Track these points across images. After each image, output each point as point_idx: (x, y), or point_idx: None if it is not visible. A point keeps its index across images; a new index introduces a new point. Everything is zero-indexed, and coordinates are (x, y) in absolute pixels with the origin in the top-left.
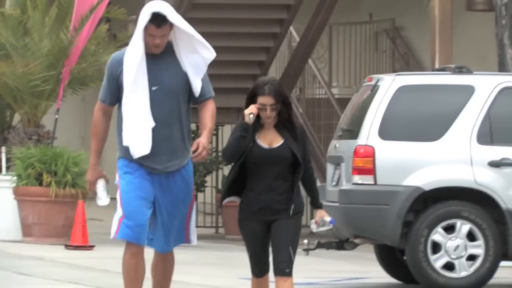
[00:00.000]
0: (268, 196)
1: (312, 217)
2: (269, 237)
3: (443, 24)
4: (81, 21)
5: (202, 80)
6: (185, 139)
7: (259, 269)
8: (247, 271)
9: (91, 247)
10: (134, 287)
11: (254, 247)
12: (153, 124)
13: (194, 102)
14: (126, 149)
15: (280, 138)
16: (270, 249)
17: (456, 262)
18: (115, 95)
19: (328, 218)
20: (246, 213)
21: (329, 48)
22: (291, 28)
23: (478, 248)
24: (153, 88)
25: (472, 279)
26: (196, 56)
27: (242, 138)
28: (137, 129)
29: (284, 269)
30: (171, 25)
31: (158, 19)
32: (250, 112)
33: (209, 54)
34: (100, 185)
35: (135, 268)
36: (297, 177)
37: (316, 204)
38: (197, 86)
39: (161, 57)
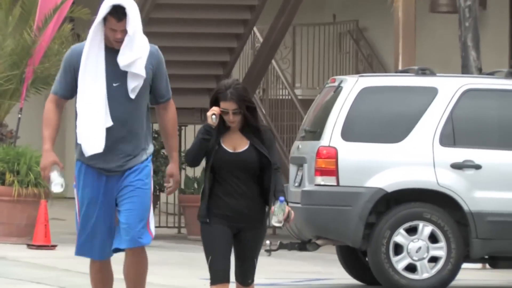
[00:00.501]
0: (235, 201)
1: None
2: (231, 243)
3: (407, 26)
4: (45, 21)
5: (161, 80)
6: (145, 135)
7: (218, 277)
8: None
9: (53, 247)
10: None
11: (216, 251)
12: (110, 123)
13: (153, 103)
14: (81, 149)
15: (245, 141)
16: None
17: (418, 264)
18: (70, 88)
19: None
20: (213, 217)
21: (292, 49)
22: (255, 29)
23: (440, 250)
24: (114, 85)
25: (434, 281)
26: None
27: (204, 141)
28: (91, 126)
29: (248, 280)
30: (129, 22)
31: (118, 12)
32: (212, 113)
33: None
34: (55, 172)
35: (102, 280)
36: (268, 182)
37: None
38: (136, 89)
39: None
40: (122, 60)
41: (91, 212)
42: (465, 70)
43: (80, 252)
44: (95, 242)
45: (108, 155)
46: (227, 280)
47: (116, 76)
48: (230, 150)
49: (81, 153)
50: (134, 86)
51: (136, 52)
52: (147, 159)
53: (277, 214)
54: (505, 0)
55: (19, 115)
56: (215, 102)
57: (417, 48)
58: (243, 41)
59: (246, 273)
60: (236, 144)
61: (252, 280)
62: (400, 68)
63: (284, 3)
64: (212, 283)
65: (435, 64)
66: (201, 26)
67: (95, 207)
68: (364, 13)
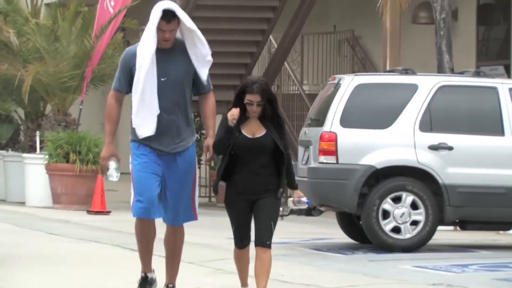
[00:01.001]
0: (252, 179)
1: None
2: (251, 214)
3: (393, 35)
4: (101, 30)
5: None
6: (189, 124)
7: (241, 242)
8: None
9: (108, 213)
10: (146, 251)
11: (238, 222)
12: (158, 111)
13: (196, 94)
14: (136, 134)
15: (263, 129)
16: (252, 224)
17: (402, 227)
18: (127, 84)
19: (305, 199)
20: (232, 194)
21: (301, 53)
22: (271, 37)
23: (419, 215)
24: (162, 79)
25: (415, 240)
26: (197, 50)
27: (226, 139)
28: (145, 113)
29: (265, 241)
30: (179, 22)
31: (168, 15)
32: (233, 118)
33: (206, 50)
34: (112, 162)
35: (147, 236)
36: (282, 164)
37: (292, 185)
38: (203, 76)
39: (170, 52)
40: (207, 53)
41: (146, 176)
42: (440, 70)
43: (135, 213)
44: (147, 202)
45: (159, 139)
46: (248, 244)
47: (163, 72)
48: (250, 136)
49: (136, 135)
50: (206, 72)
51: (206, 42)
52: (192, 145)
53: (296, 206)
54: (473, 13)
55: (80, 107)
56: (241, 95)
57: (402, 52)
58: (261, 47)
59: (263, 235)
60: (255, 130)
61: (270, 243)
62: (387, 68)
63: (294, 16)
64: (237, 246)
65: (416, 65)
66: (227, 34)
67: (147, 173)
68: (358, 24)
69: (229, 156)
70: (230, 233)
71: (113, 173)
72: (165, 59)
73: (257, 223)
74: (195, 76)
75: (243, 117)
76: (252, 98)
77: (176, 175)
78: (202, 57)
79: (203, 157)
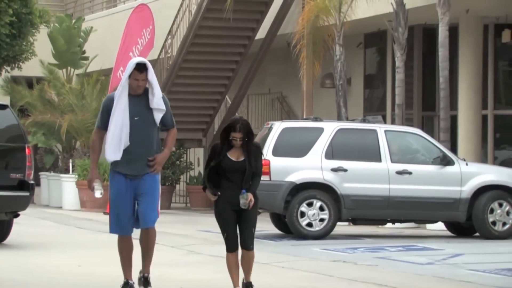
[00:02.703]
0: (236, 192)
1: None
2: (236, 221)
3: (308, 94)
4: (114, 90)
5: (166, 115)
6: (155, 153)
7: (232, 246)
8: (205, 227)
9: None
10: (126, 261)
11: (229, 229)
12: (128, 143)
13: (163, 130)
14: (113, 163)
15: (243, 154)
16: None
17: (313, 222)
18: (106, 122)
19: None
20: (223, 205)
21: (247, 107)
22: (227, 97)
23: (325, 215)
24: (135, 119)
25: (322, 232)
26: (153, 99)
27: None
28: (115, 144)
29: (249, 245)
30: (147, 74)
31: (140, 66)
32: (212, 197)
33: (158, 101)
34: (97, 183)
35: (125, 248)
36: (256, 182)
37: (251, 190)
38: (157, 118)
39: (141, 97)
40: (152, 103)
41: (119, 203)
42: (339, 118)
43: (112, 230)
44: (122, 223)
45: (131, 166)
46: (237, 248)
47: (136, 112)
48: (234, 159)
49: (113, 165)
50: (158, 116)
51: (157, 95)
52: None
53: (242, 199)
54: (361, 80)
55: None
56: (226, 131)
57: (314, 106)
58: (220, 103)
59: (247, 240)
60: (238, 155)
61: (253, 246)
62: (304, 117)
63: (242, 82)
64: (228, 251)
65: (323, 115)
66: (198, 94)
67: (121, 199)
68: (286, 88)
69: (209, 171)
70: (201, 226)
71: (97, 192)
72: (137, 102)
73: (242, 230)
74: (163, 116)
75: (228, 146)
76: (236, 135)
77: (144, 190)
78: (155, 105)
79: (150, 163)
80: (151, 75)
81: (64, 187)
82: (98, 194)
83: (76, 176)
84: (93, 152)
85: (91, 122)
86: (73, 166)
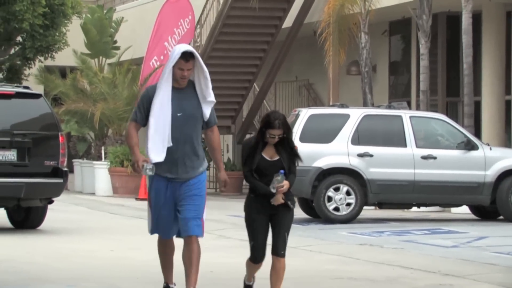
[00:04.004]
0: (272, 195)
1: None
2: (268, 227)
3: (334, 82)
4: (145, 80)
5: (211, 111)
6: (200, 154)
7: (258, 257)
8: (234, 212)
9: None
10: (166, 263)
11: (258, 238)
12: (170, 143)
13: (204, 128)
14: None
15: (277, 153)
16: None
17: (340, 207)
18: (144, 117)
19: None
20: (255, 209)
21: (274, 94)
22: (255, 84)
23: (352, 199)
24: (178, 115)
25: (349, 216)
26: (203, 91)
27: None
28: (157, 143)
29: (281, 250)
30: (195, 63)
31: (186, 55)
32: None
33: (209, 93)
34: (146, 164)
35: (166, 250)
36: (291, 179)
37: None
38: (206, 113)
39: (184, 91)
40: (206, 94)
41: (159, 207)
42: (365, 104)
43: (155, 231)
44: (162, 227)
45: (172, 168)
46: (262, 260)
47: (179, 108)
48: (269, 158)
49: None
50: (208, 111)
51: (209, 85)
52: (203, 172)
53: (274, 183)
54: (386, 67)
55: None
56: (265, 127)
57: (340, 93)
58: (248, 90)
59: (279, 245)
60: (272, 154)
61: (284, 252)
62: (331, 103)
63: (270, 70)
64: (252, 261)
65: (349, 102)
66: (228, 82)
67: (161, 203)
68: (312, 75)
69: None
70: (229, 211)
71: (148, 170)
72: (180, 96)
73: (275, 234)
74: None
75: (263, 143)
76: (274, 133)
77: (186, 194)
78: (204, 98)
79: (222, 189)
80: (200, 64)
81: (97, 174)
82: (149, 172)
83: (109, 163)
84: (130, 140)
85: (123, 110)
86: (105, 153)
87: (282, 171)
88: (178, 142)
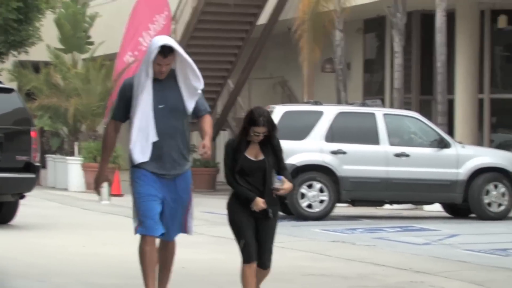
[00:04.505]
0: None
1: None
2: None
3: (309, 79)
4: (118, 75)
5: (198, 100)
6: (187, 148)
7: (251, 255)
8: (207, 208)
9: (122, 195)
10: (149, 269)
11: (247, 235)
12: (155, 138)
13: (194, 117)
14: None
15: (261, 152)
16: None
17: (313, 204)
18: (125, 113)
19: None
20: (240, 209)
21: (248, 91)
22: (229, 81)
23: (325, 196)
24: (159, 107)
25: (322, 213)
26: (189, 82)
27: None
28: (141, 141)
29: (267, 263)
30: (174, 56)
31: (165, 50)
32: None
33: (199, 83)
34: (105, 188)
35: (149, 254)
36: (288, 176)
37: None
38: (189, 107)
39: (166, 81)
40: (200, 86)
41: (145, 197)
42: (339, 102)
43: (140, 230)
44: (148, 221)
45: (158, 163)
46: (256, 258)
47: (161, 99)
48: (253, 158)
49: (134, 161)
50: (191, 103)
51: (193, 76)
52: (189, 168)
53: (277, 183)
54: (360, 65)
55: (104, 126)
56: (248, 124)
57: (314, 90)
58: (222, 87)
59: (266, 256)
60: (256, 153)
61: (270, 263)
62: (305, 100)
63: (244, 67)
64: (246, 261)
65: (324, 99)
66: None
67: (149, 197)
68: (287, 72)
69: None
70: (202, 207)
71: (104, 198)
72: (161, 87)
73: (260, 244)
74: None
75: (246, 142)
76: (259, 130)
77: (173, 195)
78: (193, 89)
79: (200, 152)
80: (182, 57)
81: (70, 169)
82: (105, 200)
83: (82, 158)
84: (105, 149)
85: (96, 106)
86: (78, 149)
87: (279, 177)
88: (163, 136)
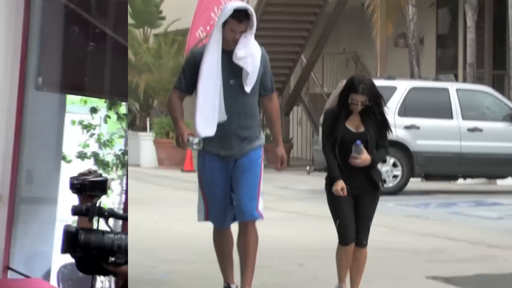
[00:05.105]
0: (356, 173)
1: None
2: (353, 208)
3: (382, 54)
4: (190, 51)
5: (265, 77)
6: (257, 125)
7: (348, 236)
8: (281, 183)
9: (195, 171)
10: (225, 259)
11: (344, 215)
12: (225, 117)
13: (259, 96)
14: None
15: (362, 124)
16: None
17: (387, 179)
18: (190, 85)
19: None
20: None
21: (322, 66)
22: (302, 56)
23: (398, 171)
24: (231, 82)
25: (395, 187)
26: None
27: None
28: (207, 113)
29: (363, 240)
30: (250, 23)
31: (240, 14)
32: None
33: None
34: (191, 139)
35: (224, 244)
36: (381, 153)
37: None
38: (250, 84)
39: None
40: (239, 53)
41: (211, 189)
42: (412, 77)
43: (205, 219)
44: (216, 214)
45: (225, 143)
46: (353, 239)
47: (232, 74)
48: (354, 130)
49: (205, 145)
50: (252, 80)
51: (251, 50)
52: (260, 146)
53: (353, 151)
54: (433, 40)
55: None
56: (346, 93)
57: (387, 65)
58: (296, 62)
59: (362, 234)
60: (358, 124)
61: (367, 242)
62: (378, 75)
63: (317, 42)
64: (342, 243)
65: (397, 74)
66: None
67: (214, 185)
68: (360, 47)
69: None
70: (277, 183)
71: (194, 145)
72: (231, 59)
73: (357, 221)
74: (262, 78)
75: (347, 112)
76: (357, 98)
77: (241, 169)
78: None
79: (278, 165)
80: (253, 27)
81: (142, 145)
82: (196, 146)
83: (154, 134)
84: (173, 110)
85: (168, 81)
86: (150, 125)
87: (358, 141)
88: (231, 114)
